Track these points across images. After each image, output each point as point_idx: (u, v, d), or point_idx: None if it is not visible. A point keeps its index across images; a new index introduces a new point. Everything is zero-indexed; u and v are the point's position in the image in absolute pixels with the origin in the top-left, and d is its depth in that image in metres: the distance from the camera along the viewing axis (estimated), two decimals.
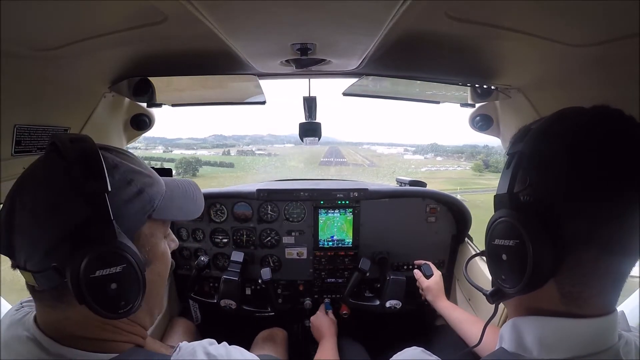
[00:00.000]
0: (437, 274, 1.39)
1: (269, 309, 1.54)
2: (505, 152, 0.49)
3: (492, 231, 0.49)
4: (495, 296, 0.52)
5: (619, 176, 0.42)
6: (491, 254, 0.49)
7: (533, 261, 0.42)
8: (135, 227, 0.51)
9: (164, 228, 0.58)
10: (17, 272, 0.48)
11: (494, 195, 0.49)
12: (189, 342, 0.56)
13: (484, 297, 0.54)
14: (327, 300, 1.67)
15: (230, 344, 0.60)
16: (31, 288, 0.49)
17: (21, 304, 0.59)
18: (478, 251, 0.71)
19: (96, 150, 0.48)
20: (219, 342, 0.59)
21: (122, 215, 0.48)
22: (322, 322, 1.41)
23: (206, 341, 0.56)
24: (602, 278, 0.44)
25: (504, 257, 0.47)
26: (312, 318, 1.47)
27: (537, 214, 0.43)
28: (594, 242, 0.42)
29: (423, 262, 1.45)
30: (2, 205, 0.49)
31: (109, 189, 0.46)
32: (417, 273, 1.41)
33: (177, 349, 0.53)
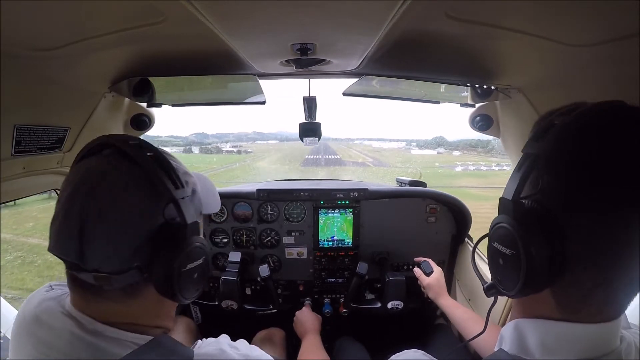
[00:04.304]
0: (437, 270, 1.36)
1: (271, 307, 1.53)
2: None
3: (492, 233, 0.48)
4: (490, 290, 0.54)
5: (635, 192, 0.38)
6: (490, 253, 0.50)
7: (526, 274, 0.42)
8: None
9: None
10: None
11: (500, 198, 0.47)
12: (191, 340, 0.57)
13: (484, 296, 0.55)
14: (327, 300, 1.67)
15: None
16: (94, 288, 0.49)
17: (51, 286, 0.59)
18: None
19: (165, 157, 0.52)
20: None
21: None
22: (307, 318, 1.39)
23: (224, 336, 0.60)
24: (601, 299, 0.42)
25: (501, 261, 0.46)
26: (297, 312, 1.44)
27: (539, 226, 0.41)
28: (596, 267, 0.40)
29: (423, 259, 1.43)
30: (62, 209, 0.47)
31: (189, 194, 0.52)
32: (417, 271, 1.39)
33: (197, 343, 0.56)
